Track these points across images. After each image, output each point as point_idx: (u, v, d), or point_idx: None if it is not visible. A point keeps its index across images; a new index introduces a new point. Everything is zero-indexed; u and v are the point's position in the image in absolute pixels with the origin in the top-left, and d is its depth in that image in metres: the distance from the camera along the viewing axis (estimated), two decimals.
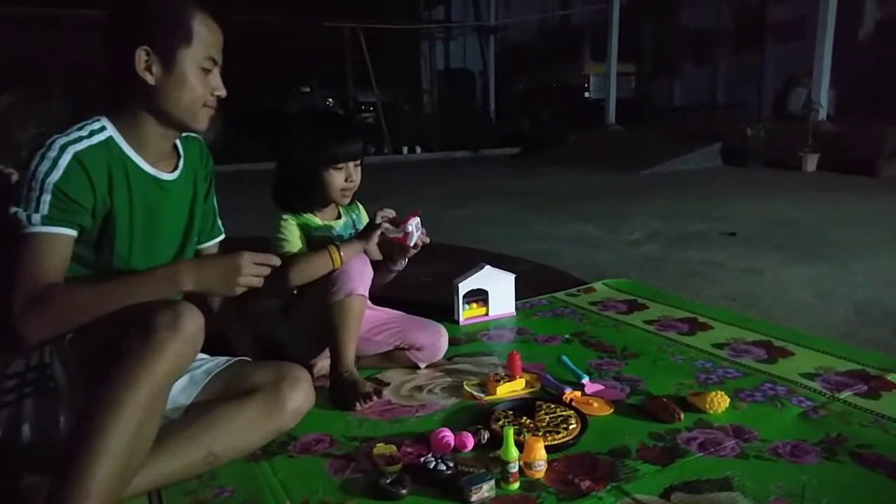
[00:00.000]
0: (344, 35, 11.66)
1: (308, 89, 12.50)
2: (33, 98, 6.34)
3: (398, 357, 1.96)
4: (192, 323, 1.17)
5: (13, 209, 1.20)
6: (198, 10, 1.29)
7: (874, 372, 1.84)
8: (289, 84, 12.24)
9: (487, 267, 2.40)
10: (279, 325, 1.86)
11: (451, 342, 2.04)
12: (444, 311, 2.35)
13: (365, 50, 11.18)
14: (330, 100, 12.03)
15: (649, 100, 13.05)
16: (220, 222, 1.64)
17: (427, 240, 1.83)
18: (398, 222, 1.78)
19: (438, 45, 16.01)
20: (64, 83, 7.27)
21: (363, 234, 1.79)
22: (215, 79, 1.35)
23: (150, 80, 1.27)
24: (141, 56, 1.25)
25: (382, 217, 1.76)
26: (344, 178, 1.80)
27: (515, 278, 2.47)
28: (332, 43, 11.76)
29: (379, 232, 1.76)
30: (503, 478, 1.31)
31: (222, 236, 1.65)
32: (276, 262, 1.35)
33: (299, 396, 1.45)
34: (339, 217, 1.93)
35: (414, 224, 1.77)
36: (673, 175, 7.44)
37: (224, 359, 1.49)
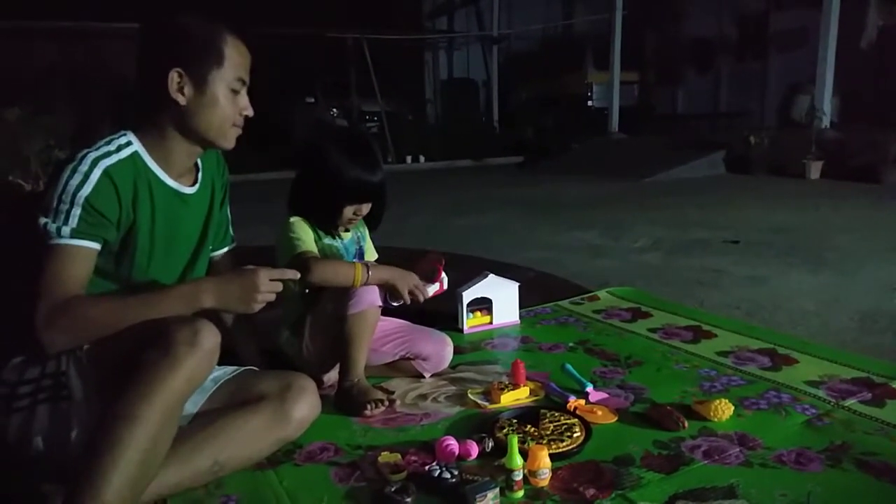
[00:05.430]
0: (348, 45, 11.74)
1: (312, 99, 12.53)
2: (41, 111, 6.39)
3: (403, 366, 1.97)
4: (210, 339, 1.18)
5: (42, 220, 1.21)
6: (228, 34, 1.33)
7: (879, 379, 1.84)
8: (293, 94, 12.29)
9: (491, 275, 2.41)
10: (288, 341, 1.86)
11: (456, 351, 2.04)
12: (448, 320, 2.36)
13: (369, 60, 11.25)
14: (334, 110, 12.07)
15: (652, 108, 13.06)
16: (232, 231, 1.66)
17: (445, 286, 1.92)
18: (428, 270, 1.85)
19: (442, 55, 16.06)
20: (71, 96, 7.34)
21: (400, 274, 1.79)
22: (243, 99, 1.38)
23: (182, 100, 1.30)
24: (174, 78, 1.28)
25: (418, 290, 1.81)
26: (353, 211, 1.83)
27: (519, 287, 2.47)
28: (337, 53, 11.84)
29: (413, 285, 1.79)
30: (507, 486, 1.31)
31: (234, 245, 1.67)
32: (295, 275, 1.37)
33: (305, 406, 1.46)
34: (346, 230, 1.94)
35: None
36: (676, 183, 7.44)
37: (231, 368, 1.51)
